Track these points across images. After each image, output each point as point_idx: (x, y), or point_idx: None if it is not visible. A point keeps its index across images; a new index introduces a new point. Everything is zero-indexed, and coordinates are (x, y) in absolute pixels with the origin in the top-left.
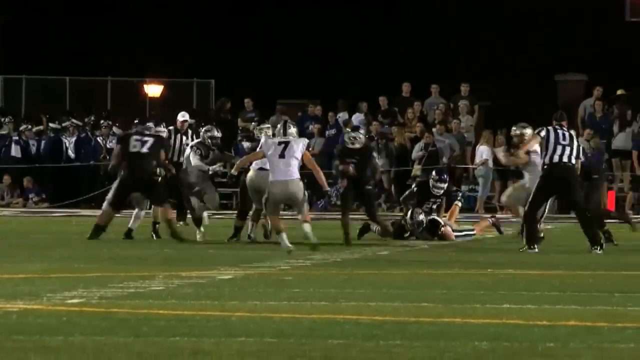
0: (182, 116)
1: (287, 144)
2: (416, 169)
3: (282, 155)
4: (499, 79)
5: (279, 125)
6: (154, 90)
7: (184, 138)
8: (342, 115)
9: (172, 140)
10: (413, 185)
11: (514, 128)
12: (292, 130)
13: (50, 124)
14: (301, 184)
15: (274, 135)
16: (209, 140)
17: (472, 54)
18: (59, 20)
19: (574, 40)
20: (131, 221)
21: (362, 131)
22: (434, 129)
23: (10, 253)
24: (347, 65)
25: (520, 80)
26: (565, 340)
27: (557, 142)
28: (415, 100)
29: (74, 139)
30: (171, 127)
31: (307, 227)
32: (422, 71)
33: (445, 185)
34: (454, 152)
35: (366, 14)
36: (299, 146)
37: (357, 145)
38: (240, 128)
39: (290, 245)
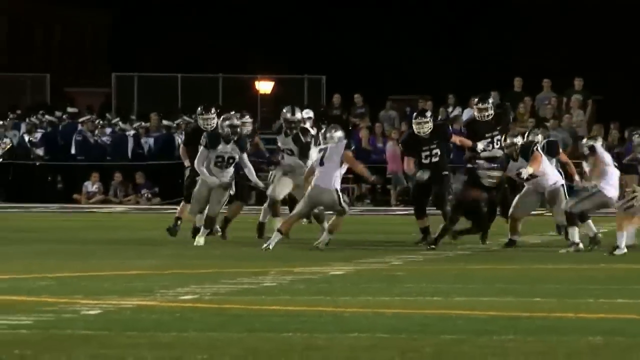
0: (307, 113)
1: (325, 150)
2: None
3: (321, 163)
4: (612, 72)
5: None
6: (265, 87)
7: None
8: (454, 111)
9: None
10: None
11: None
12: (334, 134)
13: (164, 121)
14: (335, 194)
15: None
16: (228, 129)
17: (583, 48)
18: (170, 17)
19: None
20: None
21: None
22: (547, 124)
23: (123, 249)
24: (458, 60)
25: (633, 73)
26: None
27: None
28: (527, 95)
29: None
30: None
31: (325, 235)
32: (533, 66)
33: None
34: (566, 147)
35: (474, 7)
36: (338, 150)
37: None
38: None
39: (271, 247)
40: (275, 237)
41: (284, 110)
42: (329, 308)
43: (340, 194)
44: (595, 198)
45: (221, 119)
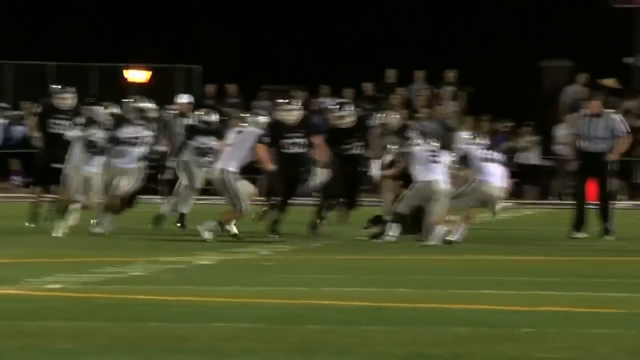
0: (188, 98)
1: (241, 133)
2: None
3: (234, 144)
4: (483, 65)
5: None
6: (137, 75)
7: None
8: (327, 101)
9: (175, 125)
10: None
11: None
12: (252, 119)
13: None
14: (227, 176)
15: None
16: (203, 125)
17: (456, 40)
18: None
19: (558, 26)
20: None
21: None
22: (417, 115)
23: None
24: (330, 50)
25: (504, 66)
26: (543, 325)
27: None
28: (400, 87)
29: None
30: (173, 112)
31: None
32: (406, 57)
33: None
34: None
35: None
36: (250, 137)
37: None
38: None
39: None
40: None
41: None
42: (195, 298)
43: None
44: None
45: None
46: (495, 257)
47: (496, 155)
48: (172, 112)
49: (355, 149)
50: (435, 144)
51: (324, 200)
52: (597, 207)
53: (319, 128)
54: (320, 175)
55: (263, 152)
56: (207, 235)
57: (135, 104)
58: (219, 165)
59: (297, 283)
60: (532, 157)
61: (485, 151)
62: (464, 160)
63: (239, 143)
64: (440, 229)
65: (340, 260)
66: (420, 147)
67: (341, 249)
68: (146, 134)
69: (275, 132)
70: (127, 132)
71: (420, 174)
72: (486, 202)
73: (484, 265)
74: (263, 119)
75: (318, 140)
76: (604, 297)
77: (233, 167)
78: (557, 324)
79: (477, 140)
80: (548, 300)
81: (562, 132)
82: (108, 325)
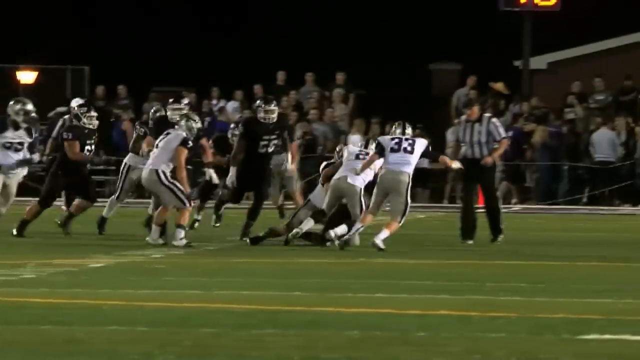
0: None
1: (167, 134)
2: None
3: (161, 147)
4: (373, 67)
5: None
6: (27, 77)
7: None
8: (219, 104)
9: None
10: None
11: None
12: (185, 123)
13: None
14: (159, 175)
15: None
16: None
17: (346, 43)
18: None
19: (448, 29)
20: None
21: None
22: (308, 117)
23: None
24: (221, 52)
25: (394, 69)
26: (437, 329)
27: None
28: (291, 89)
29: None
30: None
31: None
32: (297, 59)
33: None
34: (327, 141)
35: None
36: (175, 140)
37: None
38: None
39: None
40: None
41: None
42: (88, 301)
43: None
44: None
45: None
46: (387, 260)
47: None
48: (58, 112)
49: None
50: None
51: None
52: (485, 211)
53: (207, 131)
54: (214, 177)
55: (182, 157)
56: (184, 243)
57: (18, 106)
58: (148, 167)
59: (190, 286)
60: (423, 161)
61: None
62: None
63: (165, 145)
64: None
65: (234, 263)
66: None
67: (235, 251)
68: (27, 139)
69: (160, 130)
70: (9, 136)
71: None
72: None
73: (377, 269)
74: (197, 125)
75: (205, 142)
76: (498, 301)
77: (163, 168)
78: (451, 328)
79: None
80: (442, 304)
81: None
82: (0, 329)
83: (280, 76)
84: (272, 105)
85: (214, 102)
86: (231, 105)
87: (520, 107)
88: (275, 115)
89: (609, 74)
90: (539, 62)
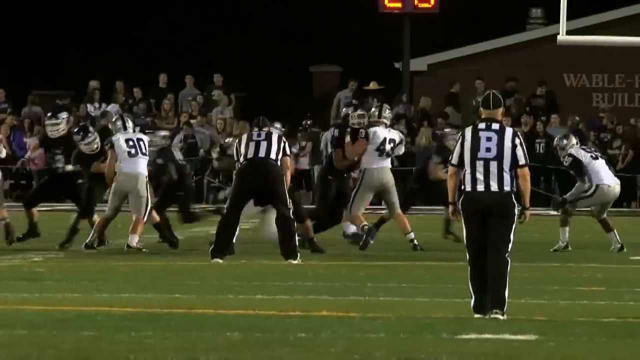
0: None
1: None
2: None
3: None
4: (254, 69)
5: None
6: None
7: None
8: (101, 108)
9: None
10: None
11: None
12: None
13: None
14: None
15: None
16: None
17: (226, 44)
18: None
19: (328, 31)
20: None
21: None
22: (193, 121)
23: None
24: (101, 55)
25: (276, 71)
26: (317, 330)
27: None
28: (170, 92)
29: None
30: None
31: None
32: (176, 61)
33: None
34: (214, 144)
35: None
36: None
37: None
38: None
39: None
40: None
41: None
42: None
43: None
44: None
45: None
46: (268, 262)
47: None
48: None
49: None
50: None
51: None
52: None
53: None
54: None
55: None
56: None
57: None
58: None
59: (70, 289)
60: (304, 162)
61: None
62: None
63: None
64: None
65: (114, 266)
66: None
67: (115, 254)
68: None
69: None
70: None
71: None
72: None
73: (257, 270)
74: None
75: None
76: (378, 302)
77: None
78: (332, 329)
79: None
80: (322, 304)
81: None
82: None
83: (162, 78)
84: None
85: (96, 105)
86: (112, 108)
87: (405, 108)
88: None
89: (489, 76)
90: (419, 63)
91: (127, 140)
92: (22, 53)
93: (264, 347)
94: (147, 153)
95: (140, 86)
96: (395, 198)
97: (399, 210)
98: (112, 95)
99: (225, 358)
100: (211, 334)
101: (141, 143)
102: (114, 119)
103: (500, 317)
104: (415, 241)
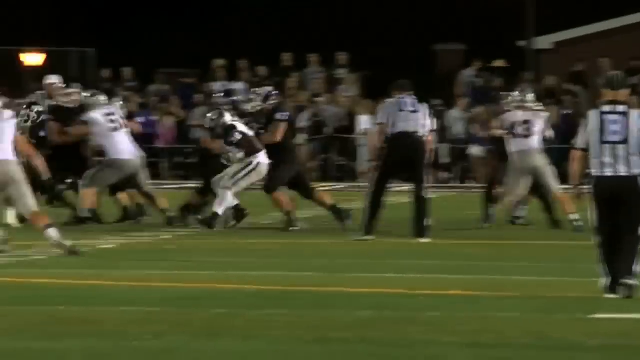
0: (56, 78)
1: None
2: (299, 138)
3: None
4: (378, 48)
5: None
6: (33, 59)
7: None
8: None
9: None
10: None
11: None
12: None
13: None
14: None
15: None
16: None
17: (350, 23)
18: None
19: (452, 9)
20: None
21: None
22: (318, 99)
23: None
24: (224, 34)
25: (400, 49)
26: (448, 309)
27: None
28: (295, 70)
29: None
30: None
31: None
32: (300, 40)
33: None
34: (339, 122)
35: None
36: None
37: None
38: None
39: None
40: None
41: None
42: (100, 282)
43: None
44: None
45: None
46: (398, 240)
47: None
48: (40, 93)
49: None
50: None
51: None
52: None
53: None
54: None
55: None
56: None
57: None
58: None
59: (200, 267)
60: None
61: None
62: None
63: None
64: None
65: (243, 243)
66: None
67: (245, 232)
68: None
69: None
70: None
71: None
72: None
73: (385, 249)
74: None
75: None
76: (507, 281)
77: None
78: (462, 308)
79: None
80: (453, 284)
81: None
82: (13, 309)
83: (286, 57)
84: None
85: (218, 83)
86: (238, 87)
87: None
88: None
89: (615, 55)
90: (544, 41)
91: None
92: (148, 32)
93: (394, 326)
94: None
95: (264, 64)
96: (548, 179)
97: (555, 191)
98: (236, 73)
99: (356, 336)
100: (341, 312)
101: None
102: None
103: (631, 282)
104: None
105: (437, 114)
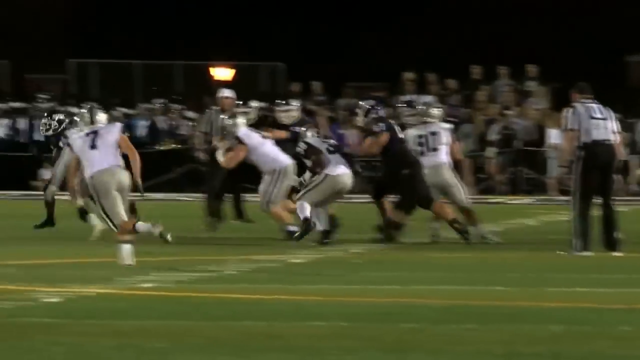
0: (229, 92)
1: (95, 133)
2: (489, 152)
3: (93, 146)
4: (567, 60)
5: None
6: (222, 73)
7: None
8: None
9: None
10: None
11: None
12: (101, 117)
13: (122, 109)
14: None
15: None
16: None
17: (539, 35)
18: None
19: None
20: None
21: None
22: (508, 112)
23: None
24: (410, 47)
25: (590, 61)
26: None
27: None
28: (484, 83)
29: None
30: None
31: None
32: (487, 53)
33: None
34: (529, 135)
35: None
36: (112, 132)
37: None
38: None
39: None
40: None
41: None
42: (288, 296)
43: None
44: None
45: None
46: (594, 253)
47: None
48: (214, 108)
49: None
50: None
51: None
52: None
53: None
54: None
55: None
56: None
57: None
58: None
59: (388, 281)
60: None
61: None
62: None
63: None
64: None
65: (430, 257)
66: None
67: (433, 246)
68: None
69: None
70: None
71: None
72: None
73: (572, 262)
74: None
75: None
76: None
77: None
78: None
79: None
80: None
81: None
82: (202, 324)
83: (475, 70)
84: None
85: (407, 97)
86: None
87: None
88: None
89: None
90: None
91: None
92: (337, 46)
93: (585, 340)
94: None
95: (453, 77)
96: None
97: None
98: (425, 86)
99: (548, 351)
100: (532, 327)
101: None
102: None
103: None
104: None
105: (627, 126)
